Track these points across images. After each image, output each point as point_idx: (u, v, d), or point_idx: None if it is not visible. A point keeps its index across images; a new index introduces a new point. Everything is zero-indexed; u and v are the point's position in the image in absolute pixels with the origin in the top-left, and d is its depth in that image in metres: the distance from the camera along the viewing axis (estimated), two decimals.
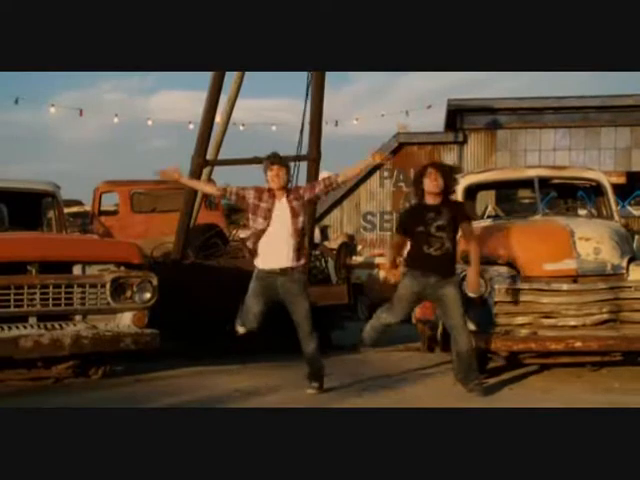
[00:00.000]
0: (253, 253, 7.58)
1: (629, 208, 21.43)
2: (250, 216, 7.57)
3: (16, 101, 21.41)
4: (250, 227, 7.63)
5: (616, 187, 20.91)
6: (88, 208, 16.30)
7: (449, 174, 7.63)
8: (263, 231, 7.43)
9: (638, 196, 21.53)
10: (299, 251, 7.52)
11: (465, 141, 22.26)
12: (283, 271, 7.39)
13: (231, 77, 11.86)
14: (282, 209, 7.43)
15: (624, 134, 21.52)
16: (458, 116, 22.27)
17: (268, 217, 7.42)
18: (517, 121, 22.01)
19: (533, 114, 21.78)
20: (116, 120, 23.42)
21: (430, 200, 7.47)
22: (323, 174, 12.68)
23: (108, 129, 45.76)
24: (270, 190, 7.46)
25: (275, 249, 7.42)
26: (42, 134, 51.43)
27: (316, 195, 7.71)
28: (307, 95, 11.24)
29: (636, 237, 14.40)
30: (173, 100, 51.99)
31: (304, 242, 7.71)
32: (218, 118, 11.73)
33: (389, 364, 9.63)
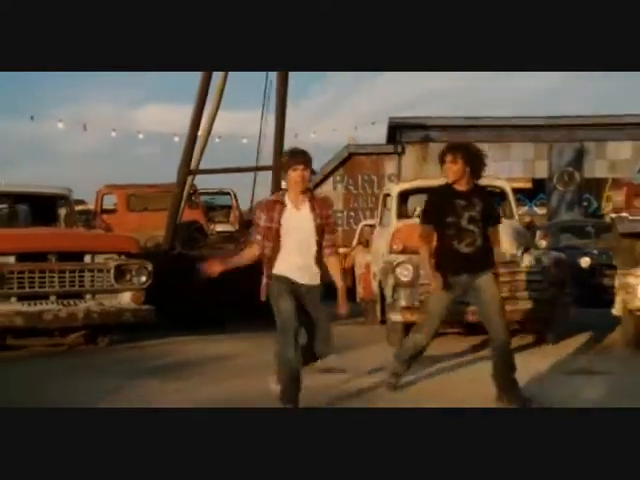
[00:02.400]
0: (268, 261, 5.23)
1: (535, 208, 21.63)
2: (258, 236, 5.22)
3: (32, 118, 21.26)
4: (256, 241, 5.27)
5: (524, 191, 21.51)
6: (90, 207, 16.01)
7: (474, 156, 5.66)
8: (277, 249, 5.16)
9: (542, 198, 21.67)
10: (319, 266, 5.24)
11: (403, 152, 21.96)
12: (308, 287, 5.18)
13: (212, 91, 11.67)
14: (302, 220, 5.14)
15: (530, 148, 21.44)
16: (397, 131, 22.02)
17: (277, 237, 5.13)
18: (446, 136, 21.12)
19: (458, 131, 21.38)
20: (114, 134, 23.14)
21: (459, 186, 5.59)
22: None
23: (105, 140, 45.24)
24: (281, 202, 5.15)
25: (296, 265, 5.17)
26: (50, 144, 50.87)
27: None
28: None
29: (538, 232, 14.86)
30: (159, 112, 51.63)
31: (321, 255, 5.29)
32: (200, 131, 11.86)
33: (339, 336, 9.69)
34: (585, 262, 12.82)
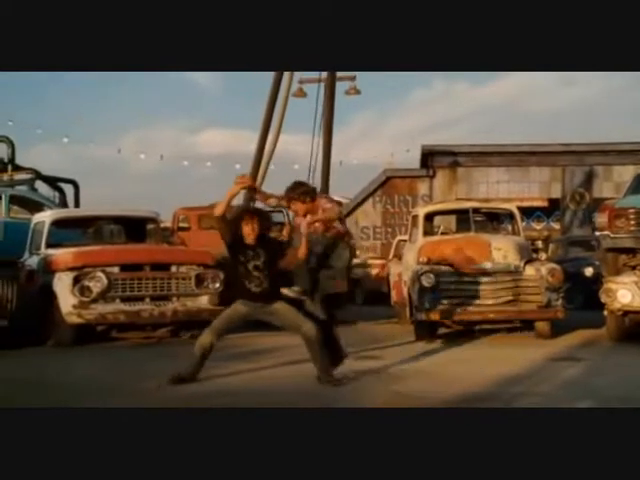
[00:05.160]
0: None
1: (551, 223, 21.99)
2: None
3: (119, 151, 22.80)
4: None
5: (542, 209, 22.02)
6: (166, 224, 16.93)
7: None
8: None
9: (557, 215, 21.98)
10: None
11: (434, 175, 22.37)
12: None
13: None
14: None
15: (546, 172, 21.70)
16: (429, 157, 22.37)
17: None
18: (471, 161, 22.08)
19: (483, 156, 21.94)
20: (186, 163, 23.79)
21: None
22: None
23: (176, 164, 45.83)
24: None
25: None
26: (121, 168, 52.29)
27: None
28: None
29: (551, 246, 15.47)
30: (216, 136, 52.51)
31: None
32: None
33: (377, 333, 10.25)
34: (589, 271, 13.45)
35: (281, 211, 19.03)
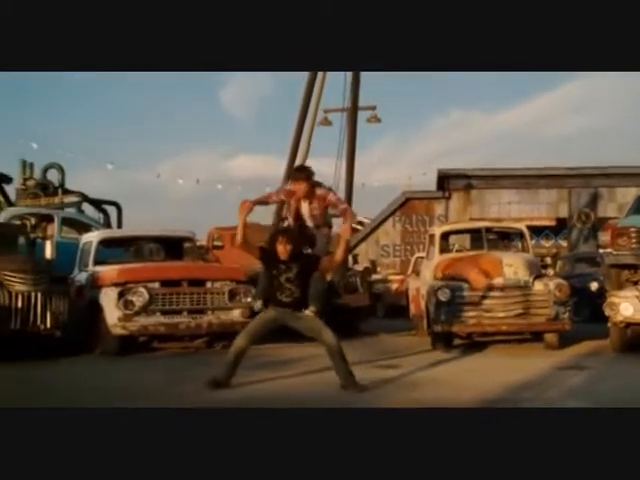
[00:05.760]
0: None
1: (559, 241, 21.93)
2: None
3: (158, 175, 23.27)
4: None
5: (550, 228, 22.00)
6: (201, 243, 16.97)
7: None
8: None
9: (564, 233, 21.89)
10: None
11: (450, 197, 22.40)
12: None
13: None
14: None
15: (553, 193, 21.68)
16: (445, 180, 22.45)
17: None
18: (484, 184, 22.08)
19: (495, 179, 21.95)
20: (219, 187, 24.10)
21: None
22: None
23: (210, 189, 45.78)
24: None
25: None
26: (160, 192, 52.84)
27: None
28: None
29: (559, 262, 15.41)
30: (248, 161, 52.83)
31: None
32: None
33: (396, 343, 10.28)
34: (594, 286, 13.38)
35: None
